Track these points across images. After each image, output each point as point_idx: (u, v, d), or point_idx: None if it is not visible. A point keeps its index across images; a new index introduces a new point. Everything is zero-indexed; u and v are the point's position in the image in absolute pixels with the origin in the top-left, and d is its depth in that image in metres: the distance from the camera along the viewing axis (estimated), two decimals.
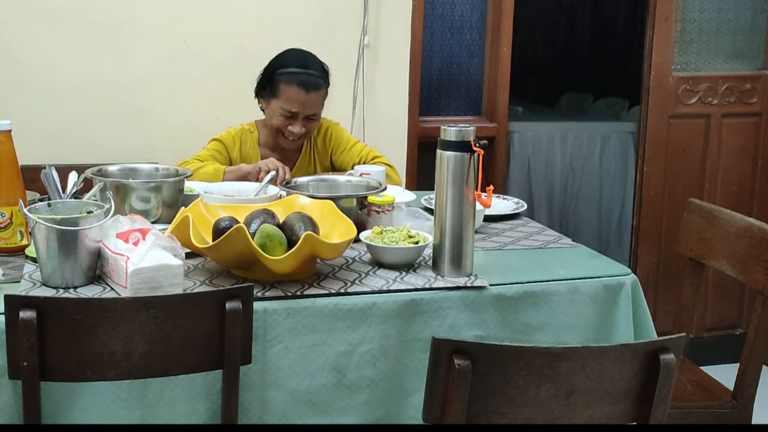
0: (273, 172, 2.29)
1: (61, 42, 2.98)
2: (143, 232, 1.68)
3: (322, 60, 2.65)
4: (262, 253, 1.64)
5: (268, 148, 2.65)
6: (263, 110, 2.66)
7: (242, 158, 2.61)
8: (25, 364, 1.41)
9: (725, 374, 2.42)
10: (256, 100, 2.66)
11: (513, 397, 1.40)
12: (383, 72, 3.32)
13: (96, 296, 1.63)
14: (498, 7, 3.58)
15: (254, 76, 2.65)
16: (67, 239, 1.65)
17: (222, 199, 2.12)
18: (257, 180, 2.39)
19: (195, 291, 1.67)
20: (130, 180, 2.10)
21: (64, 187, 1.93)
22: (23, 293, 1.60)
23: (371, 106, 3.30)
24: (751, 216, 2.34)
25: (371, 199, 2.04)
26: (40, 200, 1.94)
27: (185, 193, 2.15)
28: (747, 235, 2.20)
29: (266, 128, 2.67)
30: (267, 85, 2.61)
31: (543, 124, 4.60)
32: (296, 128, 2.56)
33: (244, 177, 2.45)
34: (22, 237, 1.88)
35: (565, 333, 1.83)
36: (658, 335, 1.78)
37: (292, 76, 2.56)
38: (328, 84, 2.64)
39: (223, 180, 2.44)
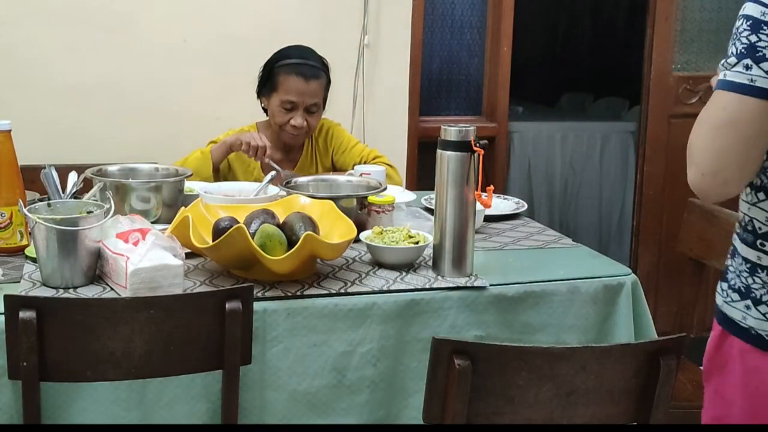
0: (273, 172, 2.28)
1: (61, 42, 2.98)
2: (143, 232, 1.68)
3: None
4: (262, 253, 1.64)
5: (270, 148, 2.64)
6: (266, 110, 2.65)
7: (242, 160, 2.60)
8: (24, 364, 1.41)
9: None
10: (259, 101, 2.66)
11: (513, 397, 1.40)
12: (383, 72, 3.31)
13: (96, 296, 1.63)
14: (498, 7, 3.58)
15: (255, 75, 2.65)
16: (67, 239, 1.64)
17: (222, 199, 2.12)
18: (240, 150, 2.43)
19: (195, 291, 1.67)
20: (130, 180, 2.10)
21: (63, 187, 1.93)
22: (23, 293, 1.60)
23: (371, 106, 3.30)
24: None
25: (371, 199, 2.04)
26: (40, 200, 1.94)
27: (185, 193, 2.15)
28: None
29: (268, 129, 2.66)
30: (267, 82, 2.60)
31: (543, 124, 4.60)
32: (298, 120, 2.56)
33: (229, 150, 2.47)
34: (21, 237, 1.87)
35: (566, 333, 1.83)
36: (659, 335, 1.78)
37: (291, 67, 2.56)
38: (328, 77, 2.63)
39: (212, 159, 2.46)
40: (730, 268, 1.41)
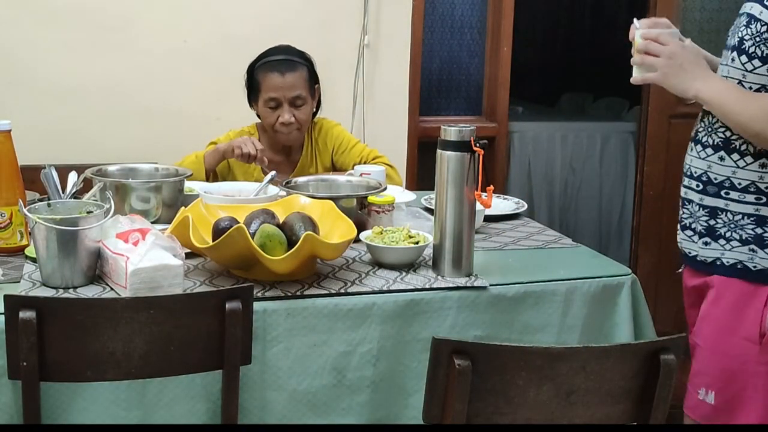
0: (273, 172, 2.28)
1: (61, 42, 2.98)
2: (143, 232, 1.68)
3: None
4: (262, 253, 1.64)
5: (270, 150, 2.64)
6: (259, 116, 2.66)
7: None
8: (24, 364, 1.41)
9: None
10: (253, 109, 2.67)
11: (513, 397, 1.40)
12: (383, 72, 3.31)
13: (96, 296, 1.63)
14: (498, 7, 3.58)
15: None
16: (67, 239, 1.64)
17: (222, 199, 2.12)
18: (233, 157, 2.43)
19: (195, 291, 1.67)
20: (130, 180, 2.10)
21: (63, 187, 1.93)
22: (23, 293, 1.60)
23: (371, 106, 3.30)
24: None
25: (371, 199, 2.04)
26: (40, 200, 1.94)
27: (185, 193, 2.15)
28: None
29: (266, 132, 2.66)
30: (250, 87, 2.62)
31: (543, 124, 4.60)
32: (285, 116, 2.55)
33: (222, 157, 2.47)
34: (21, 237, 1.87)
35: (565, 333, 1.83)
36: (658, 335, 1.77)
37: (266, 66, 2.58)
38: (309, 68, 2.62)
39: (205, 165, 2.46)
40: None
